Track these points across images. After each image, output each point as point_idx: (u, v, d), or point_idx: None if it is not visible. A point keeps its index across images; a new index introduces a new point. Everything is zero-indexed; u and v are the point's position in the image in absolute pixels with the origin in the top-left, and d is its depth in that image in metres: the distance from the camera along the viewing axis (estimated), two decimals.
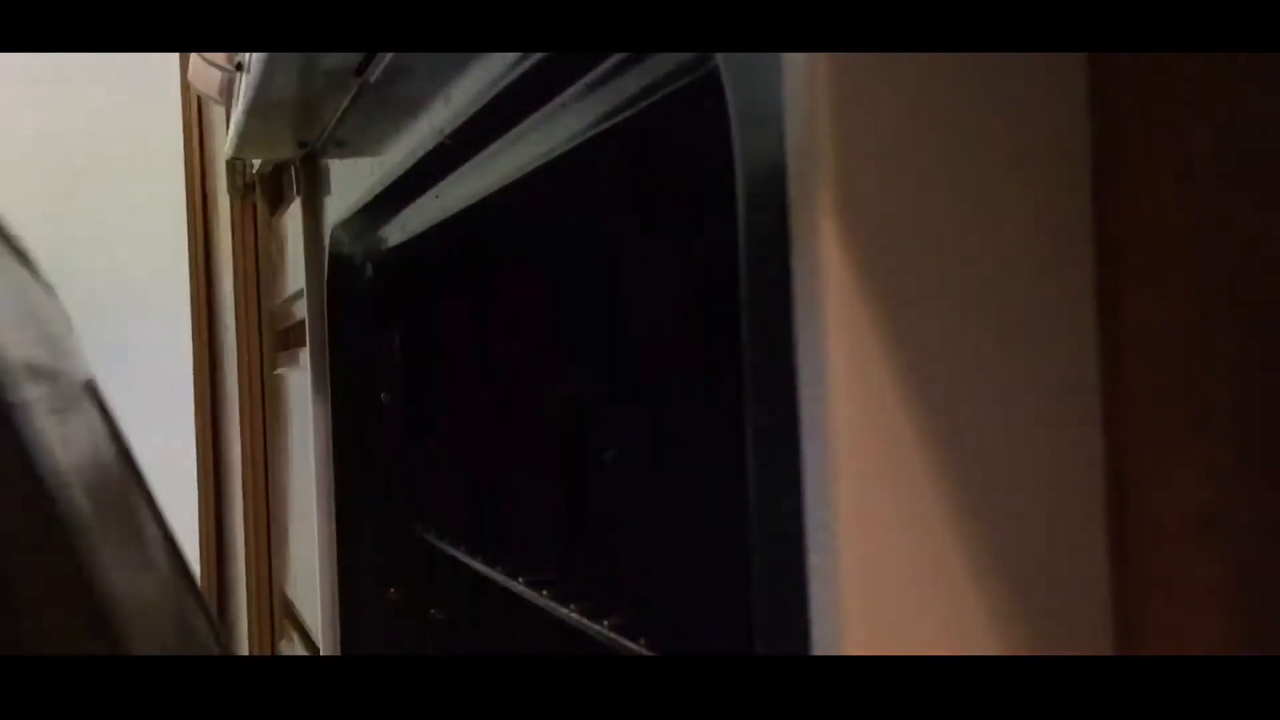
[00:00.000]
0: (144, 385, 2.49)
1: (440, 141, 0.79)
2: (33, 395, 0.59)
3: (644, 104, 0.55)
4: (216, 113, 2.02)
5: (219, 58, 1.21)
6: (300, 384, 1.31)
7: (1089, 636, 0.35)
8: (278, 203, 1.61)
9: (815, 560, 0.35)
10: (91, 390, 0.64)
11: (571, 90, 0.62)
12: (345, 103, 1.00)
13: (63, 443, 0.59)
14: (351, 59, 0.84)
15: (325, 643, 1.16)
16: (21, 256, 0.66)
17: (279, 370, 1.63)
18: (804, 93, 0.35)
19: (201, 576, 2.09)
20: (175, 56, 2.00)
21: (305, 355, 1.24)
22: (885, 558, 0.34)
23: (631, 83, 0.55)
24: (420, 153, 0.84)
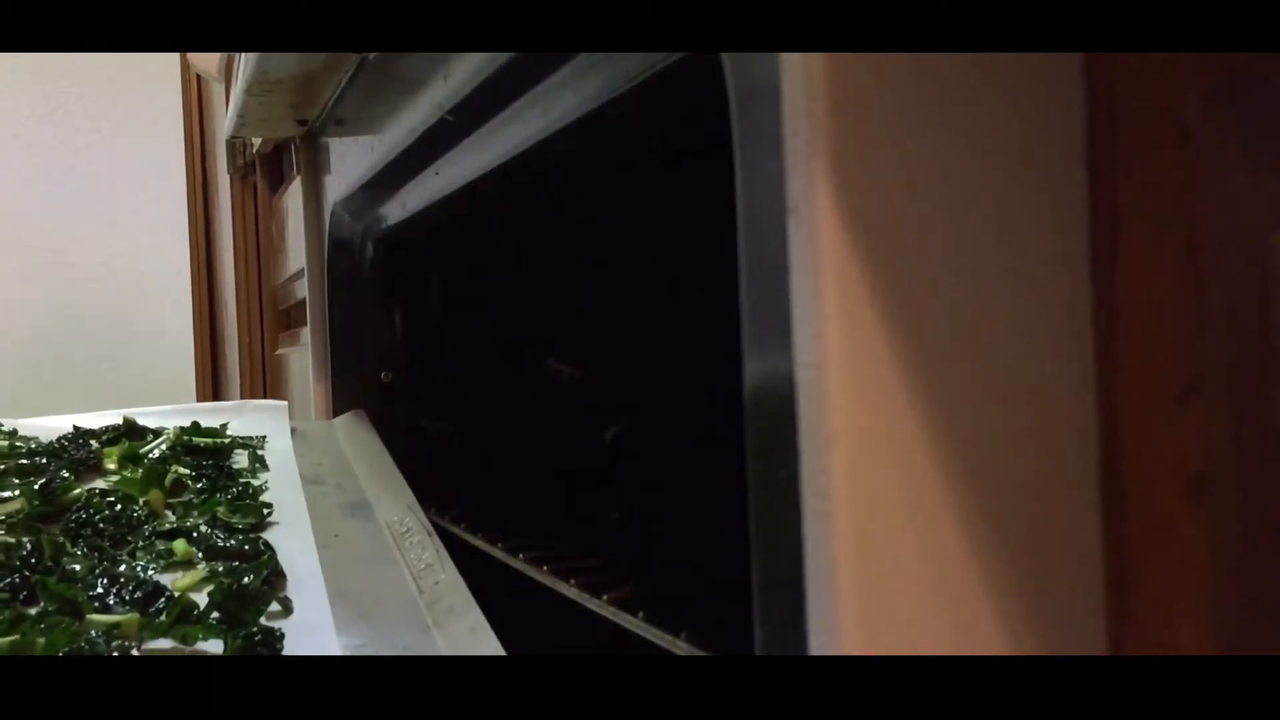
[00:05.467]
0: (146, 365, 2.49)
1: (440, 118, 0.79)
2: None
3: (643, 78, 0.55)
4: (216, 92, 2.02)
5: None
6: (301, 363, 1.31)
7: (1081, 599, 0.35)
8: (278, 182, 1.61)
9: (811, 528, 0.35)
10: None
11: (571, 66, 0.62)
12: (344, 80, 1.00)
13: None
14: None
15: None
16: None
17: (280, 350, 1.63)
18: (801, 64, 0.35)
19: None
20: None
21: (306, 334, 1.24)
22: (880, 524, 0.34)
23: (631, 58, 0.55)
24: (420, 130, 0.84)
